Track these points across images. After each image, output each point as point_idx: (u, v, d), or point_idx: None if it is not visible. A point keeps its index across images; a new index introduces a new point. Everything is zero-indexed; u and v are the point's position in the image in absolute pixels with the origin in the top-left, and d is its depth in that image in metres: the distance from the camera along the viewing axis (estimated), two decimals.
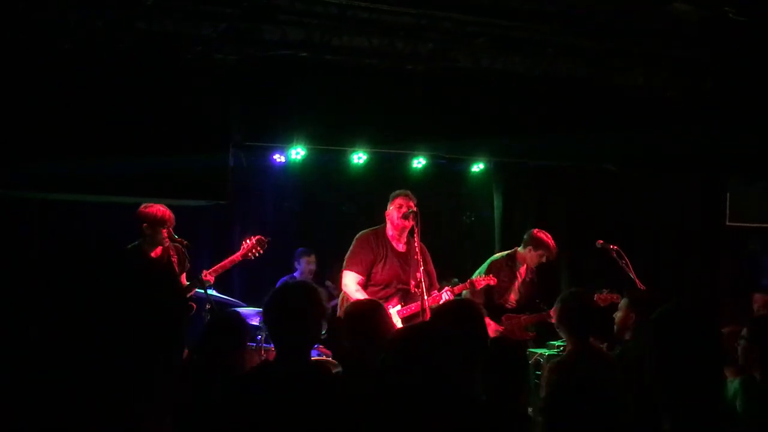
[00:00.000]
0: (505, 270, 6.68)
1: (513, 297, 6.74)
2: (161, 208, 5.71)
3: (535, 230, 6.81)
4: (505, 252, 6.89)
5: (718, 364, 2.40)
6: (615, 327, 5.21)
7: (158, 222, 5.66)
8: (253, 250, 6.01)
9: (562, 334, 4.44)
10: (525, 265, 6.80)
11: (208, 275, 5.79)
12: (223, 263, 5.93)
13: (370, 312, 3.85)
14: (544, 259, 6.75)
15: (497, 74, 7.32)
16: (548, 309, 6.38)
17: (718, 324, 2.45)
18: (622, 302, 5.33)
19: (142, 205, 5.74)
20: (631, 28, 6.78)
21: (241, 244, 6.07)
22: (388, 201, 6.00)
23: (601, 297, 6.36)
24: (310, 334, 3.12)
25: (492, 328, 6.40)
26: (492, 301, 6.56)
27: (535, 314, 6.64)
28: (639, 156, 8.09)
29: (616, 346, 5.14)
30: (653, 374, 2.34)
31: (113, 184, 6.24)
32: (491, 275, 6.46)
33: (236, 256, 5.98)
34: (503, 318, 6.60)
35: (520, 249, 6.80)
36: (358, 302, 4.45)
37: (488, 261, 6.80)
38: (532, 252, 6.71)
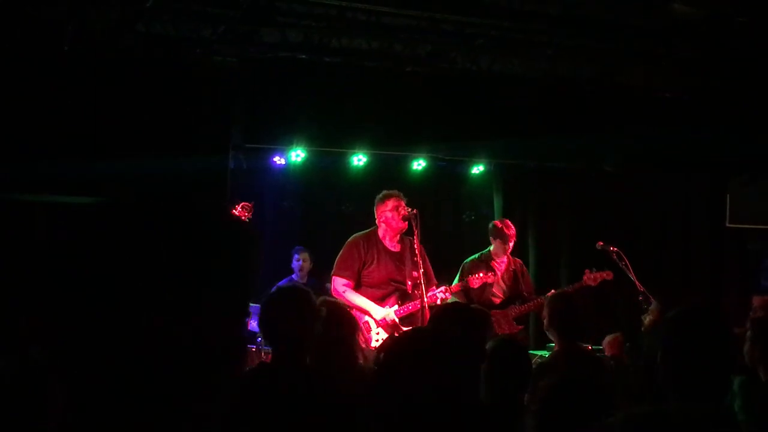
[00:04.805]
0: (480, 267, 6.59)
1: (498, 291, 6.72)
2: None
3: (495, 221, 6.88)
4: (476, 254, 6.85)
5: (729, 366, 2.42)
6: (643, 328, 5.20)
7: None
8: (242, 217, 6.05)
9: (551, 336, 4.46)
10: (503, 258, 6.77)
11: None
12: None
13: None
14: (508, 247, 6.71)
15: (496, 76, 7.32)
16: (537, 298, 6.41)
17: (730, 327, 2.47)
18: (654, 305, 5.29)
19: None
20: (630, 29, 6.78)
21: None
22: (375, 203, 5.92)
23: (591, 276, 6.35)
24: (304, 339, 3.11)
25: None
26: (473, 299, 6.37)
27: (524, 305, 6.60)
28: (638, 157, 8.09)
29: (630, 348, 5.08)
30: (664, 374, 2.35)
31: (113, 186, 6.22)
32: (481, 273, 6.41)
33: None
34: (491, 313, 6.56)
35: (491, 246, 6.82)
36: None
37: (461, 266, 6.72)
38: (495, 242, 6.74)
